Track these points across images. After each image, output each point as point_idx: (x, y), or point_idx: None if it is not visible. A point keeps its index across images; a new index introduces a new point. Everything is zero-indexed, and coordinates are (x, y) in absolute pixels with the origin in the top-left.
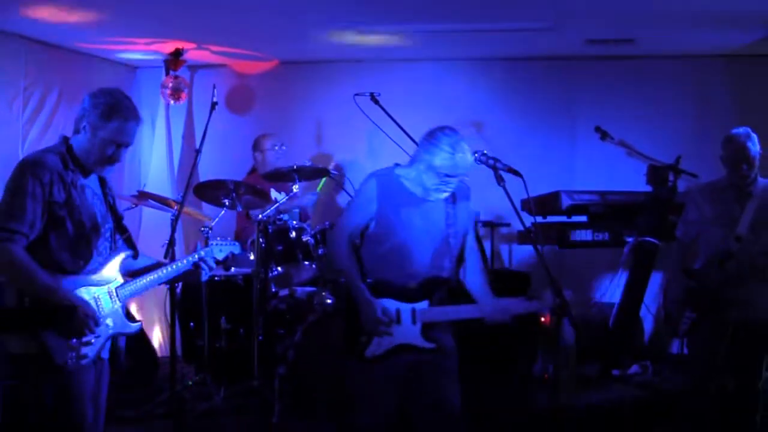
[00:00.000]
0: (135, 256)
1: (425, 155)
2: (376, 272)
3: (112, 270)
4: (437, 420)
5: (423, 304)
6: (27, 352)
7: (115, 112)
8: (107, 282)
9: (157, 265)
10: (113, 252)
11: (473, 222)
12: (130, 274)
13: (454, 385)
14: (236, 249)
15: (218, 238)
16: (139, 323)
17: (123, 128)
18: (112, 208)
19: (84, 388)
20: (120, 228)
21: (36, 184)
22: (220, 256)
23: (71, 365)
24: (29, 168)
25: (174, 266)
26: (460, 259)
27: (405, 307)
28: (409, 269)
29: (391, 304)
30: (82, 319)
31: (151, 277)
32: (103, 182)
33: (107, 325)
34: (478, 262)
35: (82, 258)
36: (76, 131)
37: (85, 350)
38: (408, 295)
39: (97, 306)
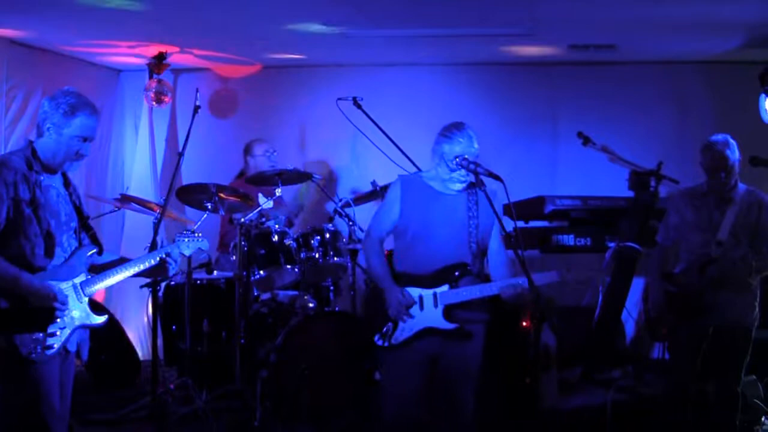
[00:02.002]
0: (99, 252)
1: (437, 147)
2: (401, 264)
3: (76, 265)
4: (448, 421)
5: (443, 288)
6: None
7: (77, 110)
8: (72, 277)
9: (120, 261)
10: (79, 249)
11: (498, 225)
12: (94, 269)
13: (470, 383)
14: (204, 245)
15: (185, 233)
16: (105, 316)
17: (86, 124)
18: (77, 208)
19: (51, 382)
20: (85, 226)
21: (1, 185)
22: (187, 252)
23: (36, 357)
24: None
25: (139, 262)
26: (484, 254)
27: (427, 293)
28: (429, 258)
29: (414, 292)
30: (48, 310)
31: (116, 273)
32: (67, 183)
33: (72, 318)
34: (501, 258)
35: (47, 254)
36: (40, 134)
37: (50, 341)
38: (430, 282)
39: (61, 299)
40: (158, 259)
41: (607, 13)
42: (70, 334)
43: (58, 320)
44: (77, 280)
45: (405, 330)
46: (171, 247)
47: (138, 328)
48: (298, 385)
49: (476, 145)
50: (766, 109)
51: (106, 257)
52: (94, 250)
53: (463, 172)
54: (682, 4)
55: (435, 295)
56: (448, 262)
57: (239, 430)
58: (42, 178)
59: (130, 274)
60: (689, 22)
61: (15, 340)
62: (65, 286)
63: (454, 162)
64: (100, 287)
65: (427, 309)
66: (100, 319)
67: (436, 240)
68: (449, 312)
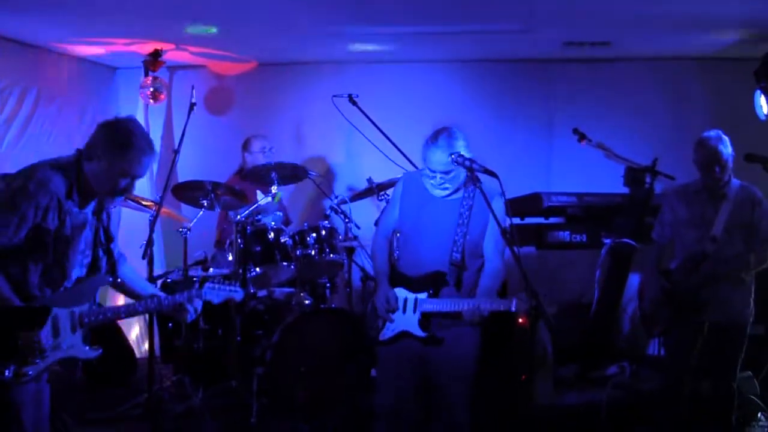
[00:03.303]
0: (114, 283)
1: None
2: (398, 262)
3: (83, 293)
4: (440, 421)
5: (423, 295)
6: None
7: (132, 145)
8: (73, 304)
9: (142, 296)
10: (92, 277)
11: (494, 228)
12: (121, 288)
13: (462, 385)
14: (238, 295)
15: (219, 278)
16: (99, 351)
17: (140, 161)
18: (106, 232)
19: (24, 403)
20: (108, 253)
21: (31, 205)
22: (216, 300)
23: (6, 379)
24: (32, 185)
25: (154, 303)
26: (479, 255)
27: (411, 297)
28: (416, 262)
29: (401, 293)
30: (26, 340)
31: (124, 309)
32: (99, 209)
33: (60, 347)
34: (490, 265)
35: (51, 282)
36: (89, 158)
37: (25, 369)
38: (416, 286)
39: (54, 327)
40: (176, 303)
41: (602, 10)
42: (52, 364)
43: (32, 356)
44: (77, 309)
45: (389, 329)
46: (195, 292)
47: (134, 326)
48: (295, 382)
49: (451, 153)
50: (761, 105)
51: (132, 279)
52: (108, 280)
53: (438, 179)
54: (678, 1)
55: (416, 300)
56: (432, 268)
57: (235, 428)
58: (75, 210)
59: (137, 313)
60: (684, 18)
61: None
62: (62, 314)
63: (451, 159)
64: (100, 319)
65: (408, 313)
66: (91, 353)
67: (422, 244)
68: (426, 318)
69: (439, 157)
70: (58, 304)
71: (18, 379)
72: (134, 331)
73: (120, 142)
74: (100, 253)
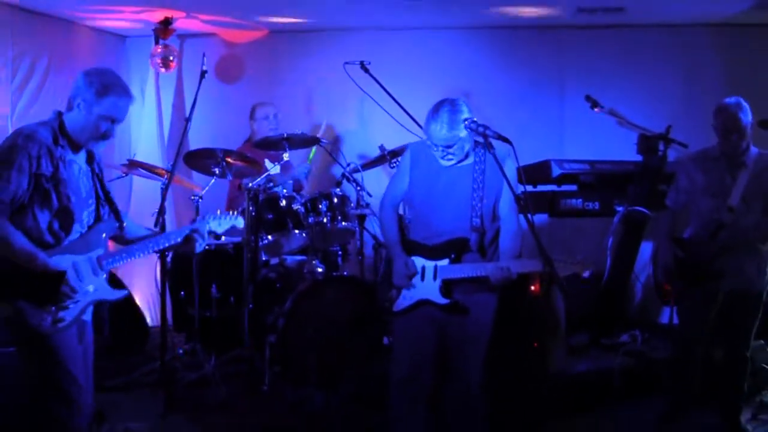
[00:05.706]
0: (121, 228)
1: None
2: (411, 232)
3: (94, 240)
4: (454, 396)
5: (444, 262)
6: (5, 315)
7: (110, 90)
8: (88, 251)
9: (149, 236)
10: (97, 224)
11: (508, 190)
12: (122, 241)
13: (477, 349)
14: (239, 222)
15: (218, 211)
16: (125, 291)
17: (117, 105)
18: (101, 182)
19: (68, 352)
20: (108, 201)
21: (24, 156)
22: (220, 229)
23: (45, 328)
24: (20, 140)
25: (164, 241)
26: (496, 218)
27: (429, 265)
28: (433, 230)
29: (418, 261)
30: (58, 285)
31: (138, 251)
32: (91, 158)
33: (87, 291)
34: (508, 227)
35: (64, 229)
36: (70, 108)
37: (62, 314)
38: (434, 254)
39: (76, 273)
40: (183, 236)
41: None
42: (85, 308)
43: (67, 298)
44: (94, 254)
45: (406, 298)
46: (199, 223)
47: (146, 294)
48: (307, 350)
49: (450, 130)
50: None
51: (134, 230)
52: (114, 226)
53: (440, 152)
54: None
55: (436, 267)
56: (451, 236)
57: (248, 395)
58: (67, 153)
59: (152, 250)
60: None
61: (23, 310)
62: (80, 260)
63: (464, 125)
64: (118, 260)
65: (427, 281)
66: (119, 294)
67: (438, 214)
68: (447, 286)
69: (440, 132)
70: (74, 252)
71: (56, 326)
72: (146, 299)
73: (98, 89)
74: (102, 199)
